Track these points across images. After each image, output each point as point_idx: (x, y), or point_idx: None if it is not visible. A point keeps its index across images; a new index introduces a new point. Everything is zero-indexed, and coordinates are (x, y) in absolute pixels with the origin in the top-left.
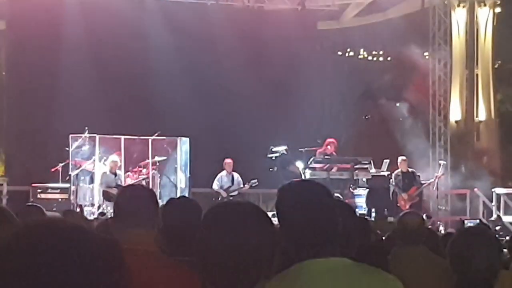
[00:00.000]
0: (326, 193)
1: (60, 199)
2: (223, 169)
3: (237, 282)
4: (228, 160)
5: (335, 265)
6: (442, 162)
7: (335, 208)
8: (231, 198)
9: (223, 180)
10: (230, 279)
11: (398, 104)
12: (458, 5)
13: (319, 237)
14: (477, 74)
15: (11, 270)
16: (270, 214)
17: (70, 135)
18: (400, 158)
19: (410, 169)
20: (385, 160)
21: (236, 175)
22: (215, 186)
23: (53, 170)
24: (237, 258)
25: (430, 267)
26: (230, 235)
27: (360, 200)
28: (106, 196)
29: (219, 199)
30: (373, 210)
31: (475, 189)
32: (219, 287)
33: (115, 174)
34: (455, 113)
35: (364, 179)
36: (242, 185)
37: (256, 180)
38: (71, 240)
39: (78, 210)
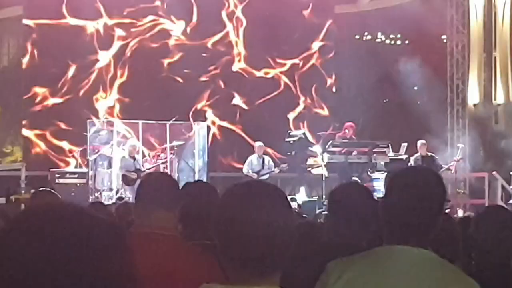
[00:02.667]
0: (438, 182)
1: (78, 184)
2: (253, 152)
3: (257, 265)
4: (259, 143)
5: (421, 257)
6: (460, 145)
7: (442, 201)
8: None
9: (253, 164)
10: (250, 262)
11: (416, 88)
12: None
13: (417, 225)
14: (495, 57)
15: (11, 252)
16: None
17: (88, 120)
18: (419, 142)
19: (429, 153)
20: (403, 144)
21: (267, 158)
22: (245, 169)
23: (71, 155)
24: (258, 241)
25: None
26: (249, 216)
27: (378, 184)
28: (125, 180)
29: None
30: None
31: (494, 172)
32: (238, 270)
33: (134, 159)
34: (473, 96)
35: (382, 163)
36: (273, 169)
37: (286, 164)
38: (71, 222)
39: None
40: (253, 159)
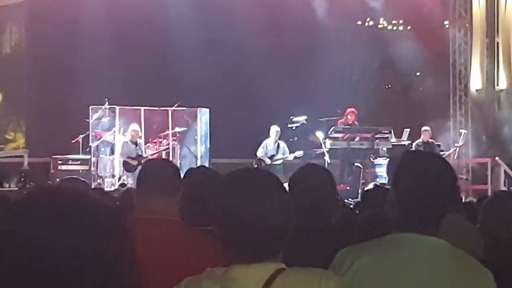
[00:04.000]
0: (448, 169)
1: (80, 171)
2: (268, 137)
3: (257, 250)
4: (275, 128)
5: (434, 245)
6: (463, 131)
7: (455, 190)
8: (275, 165)
9: (269, 148)
10: (250, 247)
11: (418, 73)
12: None
13: (428, 213)
14: (497, 43)
15: (13, 235)
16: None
17: (90, 106)
18: (423, 128)
19: (430, 140)
20: (405, 130)
21: (282, 143)
22: (260, 153)
23: (73, 141)
24: (257, 226)
25: (466, 234)
26: (248, 201)
27: (381, 170)
28: (126, 166)
29: (262, 165)
30: (393, 176)
31: (496, 158)
32: (239, 255)
33: (136, 144)
34: (476, 82)
35: (385, 149)
36: (287, 155)
37: (302, 152)
38: (72, 206)
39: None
40: (269, 143)
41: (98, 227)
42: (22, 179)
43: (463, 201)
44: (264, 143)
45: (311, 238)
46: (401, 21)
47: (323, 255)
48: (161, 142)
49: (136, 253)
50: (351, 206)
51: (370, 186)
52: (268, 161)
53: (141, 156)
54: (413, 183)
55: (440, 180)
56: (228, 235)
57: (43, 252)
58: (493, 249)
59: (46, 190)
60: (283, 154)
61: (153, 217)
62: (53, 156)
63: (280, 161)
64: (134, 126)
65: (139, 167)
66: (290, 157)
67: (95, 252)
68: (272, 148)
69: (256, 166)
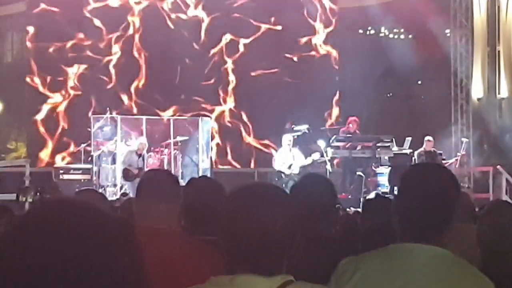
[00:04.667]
0: (451, 179)
1: (82, 180)
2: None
3: (263, 261)
4: (288, 137)
5: (436, 255)
6: (464, 139)
7: (456, 198)
8: (294, 175)
9: (285, 157)
10: (256, 259)
11: (419, 82)
12: None
13: (431, 224)
14: (499, 51)
15: (22, 247)
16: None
17: (92, 116)
18: (426, 138)
19: (432, 149)
20: (407, 138)
21: (296, 150)
22: (277, 165)
23: (75, 151)
24: (264, 238)
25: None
26: (258, 216)
27: (383, 178)
28: (126, 175)
29: (283, 177)
30: (395, 188)
31: (498, 167)
32: (244, 267)
33: (140, 156)
34: (477, 90)
35: (386, 157)
36: (305, 160)
37: (318, 153)
38: (82, 218)
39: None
40: (284, 153)
41: (108, 240)
42: (38, 193)
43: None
44: (278, 154)
45: (312, 248)
46: (402, 30)
47: (325, 265)
48: (162, 151)
49: (145, 266)
50: (352, 215)
51: (372, 195)
52: (287, 171)
53: (142, 168)
54: (416, 193)
55: (442, 190)
56: (234, 246)
57: (51, 264)
58: (490, 259)
59: (55, 202)
60: (300, 160)
61: (151, 226)
62: (55, 166)
63: (298, 170)
64: (143, 139)
65: (137, 179)
66: (308, 160)
67: (104, 265)
68: (288, 157)
69: (277, 179)
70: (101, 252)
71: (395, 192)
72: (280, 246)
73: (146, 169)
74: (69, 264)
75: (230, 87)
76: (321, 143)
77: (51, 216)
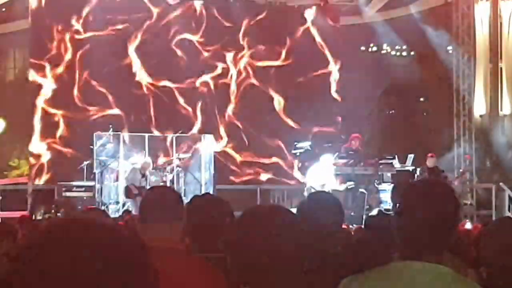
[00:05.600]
0: (451, 196)
1: (85, 197)
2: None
3: (271, 281)
4: (327, 156)
5: (437, 273)
6: (467, 156)
7: (456, 216)
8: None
9: (320, 175)
10: (264, 278)
11: (422, 99)
12: None
13: (432, 241)
14: (501, 68)
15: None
16: (294, 210)
17: (95, 133)
18: (429, 155)
19: (435, 166)
20: (409, 155)
21: (331, 173)
22: (310, 181)
23: (78, 168)
24: (273, 259)
25: None
26: (268, 237)
27: (385, 195)
28: (128, 192)
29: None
30: (398, 205)
31: (501, 183)
32: (254, 285)
33: (143, 175)
34: (480, 107)
35: (389, 174)
36: (337, 186)
37: (353, 183)
38: (97, 239)
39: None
40: (320, 170)
41: (123, 260)
42: (53, 210)
43: (468, 227)
44: (312, 170)
45: (316, 265)
46: (404, 47)
47: (328, 283)
48: (165, 168)
49: (159, 286)
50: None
51: (374, 212)
52: (318, 189)
53: (144, 187)
54: (416, 211)
55: (442, 207)
56: (243, 264)
57: (65, 283)
58: (493, 277)
59: (69, 220)
60: (333, 182)
61: (155, 245)
62: (58, 183)
63: (329, 189)
64: (148, 159)
65: (139, 198)
66: (342, 187)
67: (119, 285)
68: (323, 175)
69: (306, 193)
70: (118, 272)
71: (396, 209)
72: (289, 264)
73: (147, 189)
74: (83, 284)
75: (231, 106)
76: (324, 159)
77: (68, 236)
